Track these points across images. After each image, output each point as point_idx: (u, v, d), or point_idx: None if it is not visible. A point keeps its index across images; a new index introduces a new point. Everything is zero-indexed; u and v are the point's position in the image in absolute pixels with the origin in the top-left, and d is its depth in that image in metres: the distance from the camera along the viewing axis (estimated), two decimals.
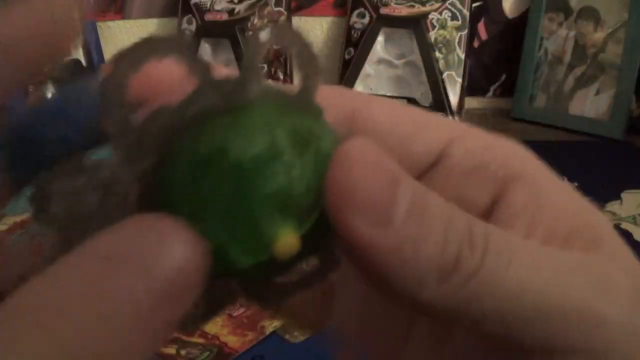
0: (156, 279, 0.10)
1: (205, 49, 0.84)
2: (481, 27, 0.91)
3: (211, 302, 0.13)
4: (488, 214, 0.14)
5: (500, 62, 0.93)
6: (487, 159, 0.14)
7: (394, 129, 0.14)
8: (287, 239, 0.11)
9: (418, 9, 0.81)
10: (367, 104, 0.15)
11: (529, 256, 0.12)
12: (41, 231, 0.12)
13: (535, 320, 0.12)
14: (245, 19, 0.81)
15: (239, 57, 0.80)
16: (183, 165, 0.12)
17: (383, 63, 0.84)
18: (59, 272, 0.10)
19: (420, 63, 0.80)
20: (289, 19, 0.80)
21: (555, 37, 0.83)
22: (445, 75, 0.79)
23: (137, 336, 0.10)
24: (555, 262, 0.12)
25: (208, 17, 0.83)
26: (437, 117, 0.15)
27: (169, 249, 0.10)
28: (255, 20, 0.81)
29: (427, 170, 0.15)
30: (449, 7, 0.80)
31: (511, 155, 0.14)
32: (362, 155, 0.11)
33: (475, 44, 0.91)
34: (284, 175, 0.11)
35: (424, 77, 0.80)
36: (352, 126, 0.14)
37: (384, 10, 0.83)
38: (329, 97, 0.14)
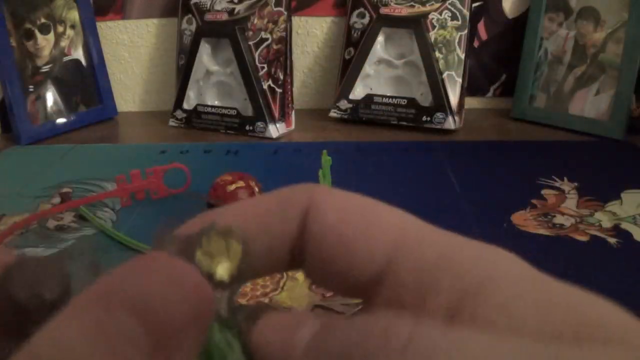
0: None
1: (205, 49, 0.84)
2: (481, 27, 0.91)
3: None
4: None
5: (500, 62, 0.93)
6: (439, 274, 0.13)
7: (342, 230, 0.15)
8: None
9: (418, 9, 0.81)
10: (321, 201, 0.15)
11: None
12: None
13: None
14: (245, 19, 0.81)
15: (238, 57, 0.80)
16: None
17: (383, 63, 0.84)
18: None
19: (420, 63, 0.80)
20: (288, 19, 0.80)
21: (555, 37, 0.83)
22: (445, 75, 0.79)
23: None
24: None
25: (208, 17, 0.83)
26: (385, 216, 0.15)
27: None
28: (255, 21, 0.81)
29: (372, 284, 0.14)
30: (449, 7, 0.80)
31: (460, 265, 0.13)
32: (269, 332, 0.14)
33: (475, 44, 0.91)
34: None
35: (424, 77, 0.80)
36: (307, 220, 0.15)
37: (384, 10, 0.83)
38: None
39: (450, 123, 0.79)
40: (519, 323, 0.12)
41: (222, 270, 0.15)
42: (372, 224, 0.14)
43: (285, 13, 0.80)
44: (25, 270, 0.13)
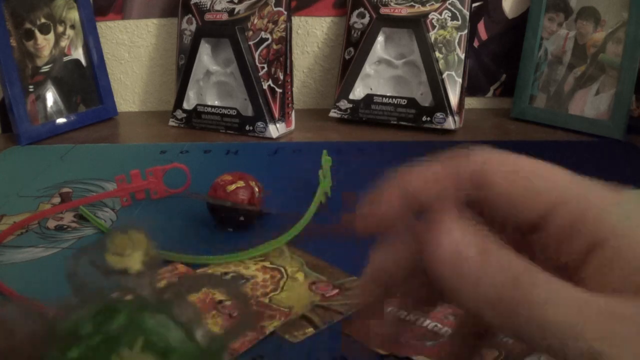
0: None
1: (205, 49, 0.84)
2: (481, 27, 0.91)
3: None
4: (578, 269, 0.17)
5: (500, 62, 0.93)
6: (581, 227, 0.17)
7: (509, 190, 0.18)
8: None
9: (418, 9, 0.81)
10: (493, 166, 0.19)
11: (566, 299, 0.15)
12: None
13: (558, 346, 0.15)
14: (245, 19, 0.81)
15: (238, 57, 0.80)
16: None
17: (383, 63, 0.84)
18: None
19: (420, 63, 0.80)
20: (288, 19, 0.80)
21: (555, 37, 0.83)
22: (445, 75, 0.79)
23: None
24: (596, 309, 0.15)
25: (208, 17, 0.83)
26: (550, 177, 0.19)
27: None
28: (255, 21, 0.81)
29: (532, 229, 0.18)
30: (449, 7, 0.80)
31: (601, 219, 0.17)
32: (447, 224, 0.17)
33: (475, 44, 0.91)
34: None
35: (424, 77, 0.80)
36: (479, 183, 0.19)
37: (384, 10, 0.83)
38: (460, 158, 0.19)
39: (450, 123, 0.79)
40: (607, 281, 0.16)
41: (133, 262, 0.17)
42: (535, 185, 0.18)
43: (285, 13, 0.80)
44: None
